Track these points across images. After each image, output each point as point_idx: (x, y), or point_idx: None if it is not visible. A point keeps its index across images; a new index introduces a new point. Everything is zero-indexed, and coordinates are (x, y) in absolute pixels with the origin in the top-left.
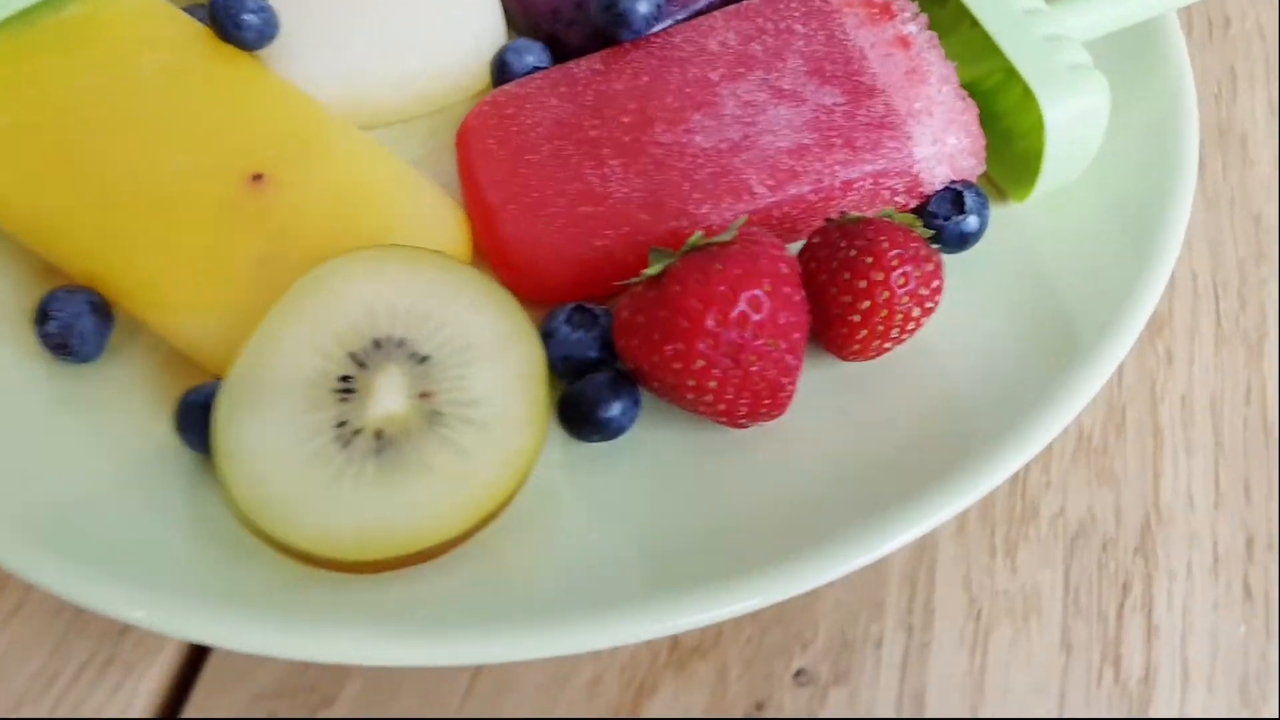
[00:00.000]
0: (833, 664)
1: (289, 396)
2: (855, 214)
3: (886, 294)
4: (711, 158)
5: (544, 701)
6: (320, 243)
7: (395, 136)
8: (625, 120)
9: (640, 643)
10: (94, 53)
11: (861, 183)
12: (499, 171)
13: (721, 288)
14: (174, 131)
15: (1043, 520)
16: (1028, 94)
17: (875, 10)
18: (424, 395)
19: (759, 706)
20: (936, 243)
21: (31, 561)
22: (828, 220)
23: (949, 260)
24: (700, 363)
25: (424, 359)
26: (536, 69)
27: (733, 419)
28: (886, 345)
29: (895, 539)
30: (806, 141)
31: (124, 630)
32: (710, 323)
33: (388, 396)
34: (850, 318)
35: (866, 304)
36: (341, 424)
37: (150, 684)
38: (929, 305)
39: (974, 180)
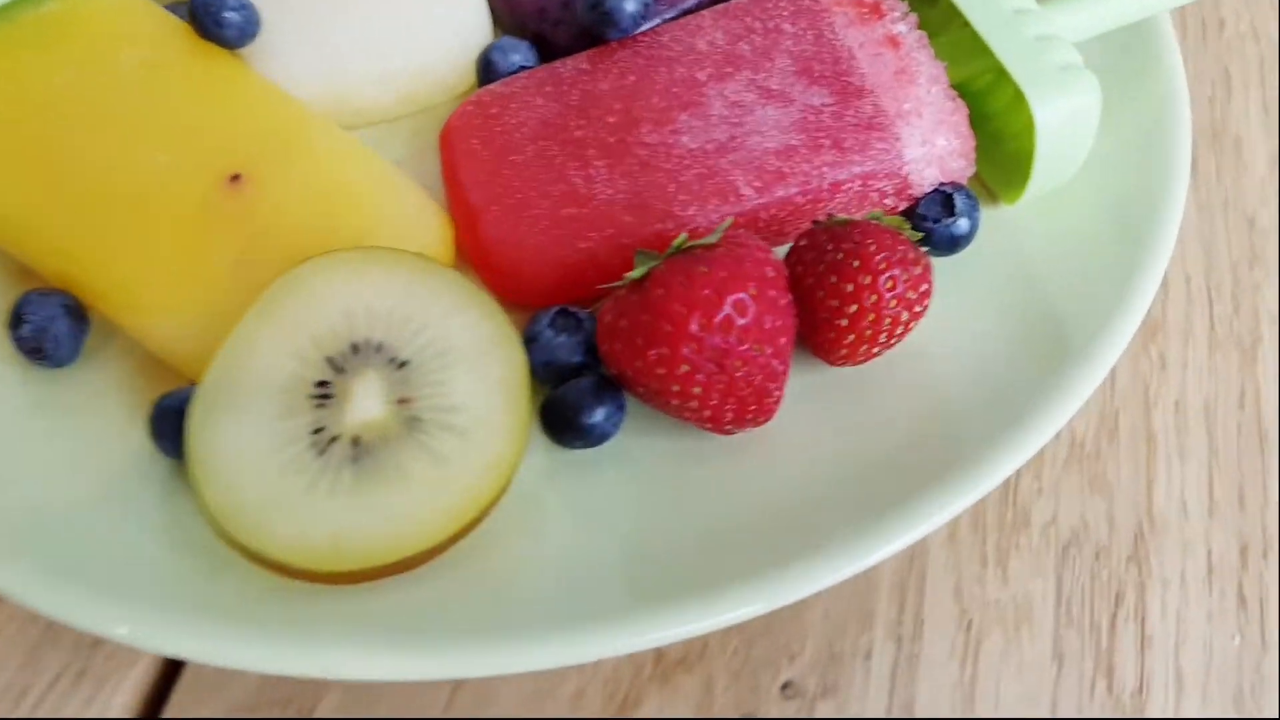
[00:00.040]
0: (821, 676)
1: (264, 402)
2: (843, 216)
3: (874, 298)
4: (698, 159)
5: (526, 715)
6: (300, 244)
7: (378, 136)
8: (611, 120)
9: (624, 655)
10: (72, 49)
11: (850, 184)
12: (482, 172)
13: (706, 291)
14: (152, 130)
15: (1034, 528)
16: (1018, 95)
17: (865, 10)
18: (402, 401)
19: None
20: (926, 245)
21: (3, 573)
22: (815, 223)
23: (939, 263)
24: (684, 368)
25: (403, 364)
26: (522, 68)
27: (719, 425)
28: (875, 350)
29: (885, 548)
30: (794, 143)
31: (97, 642)
32: (694, 327)
33: (365, 402)
34: (837, 322)
35: (854, 308)
36: (318, 430)
37: (124, 697)
38: (918, 309)
39: (964, 182)
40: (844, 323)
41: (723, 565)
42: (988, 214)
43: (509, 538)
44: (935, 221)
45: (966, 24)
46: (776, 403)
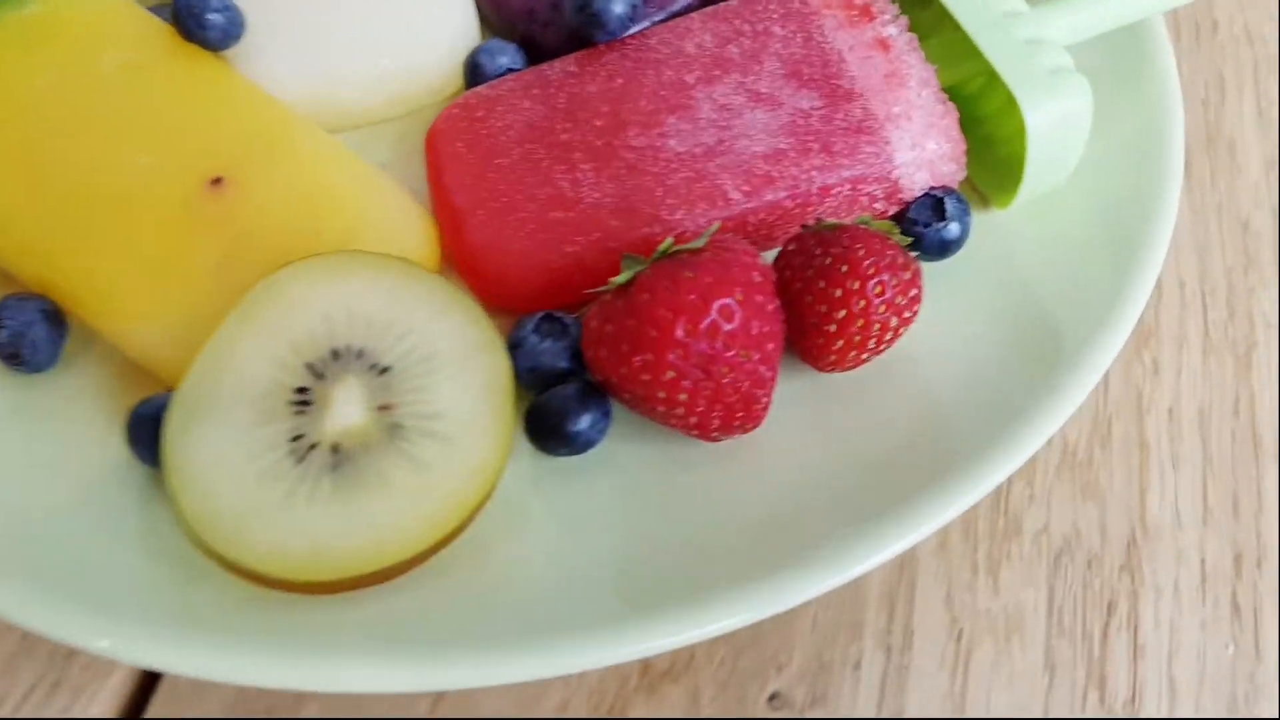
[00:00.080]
0: (809, 687)
1: (242, 409)
2: (832, 221)
3: (863, 303)
4: (686, 162)
5: None
6: (282, 248)
7: (364, 140)
8: (598, 124)
9: (610, 666)
10: (53, 51)
11: (839, 188)
12: (468, 176)
13: (691, 296)
14: (133, 133)
15: (1026, 537)
16: (1010, 99)
17: (855, 12)
18: (384, 408)
19: None
20: (917, 250)
21: None
22: (804, 227)
23: (929, 268)
24: (670, 374)
25: (384, 370)
26: (510, 71)
27: (706, 432)
28: (864, 356)
29: (874, 556)
30: (783, 146)
31: (72, 652)
32: (680, 333)
33: (345, 409)
34: (826, 328)
35: (842, 313)
36: (297, 438)
37: (100, 707)
38: (907, 315)
39: (955, 186)
40: (832, 328)
41: (710, 574)
42: (979, 218)
43: (492, 546)
44: (926, 226)
45: (958, 27)
46: (764, 409)
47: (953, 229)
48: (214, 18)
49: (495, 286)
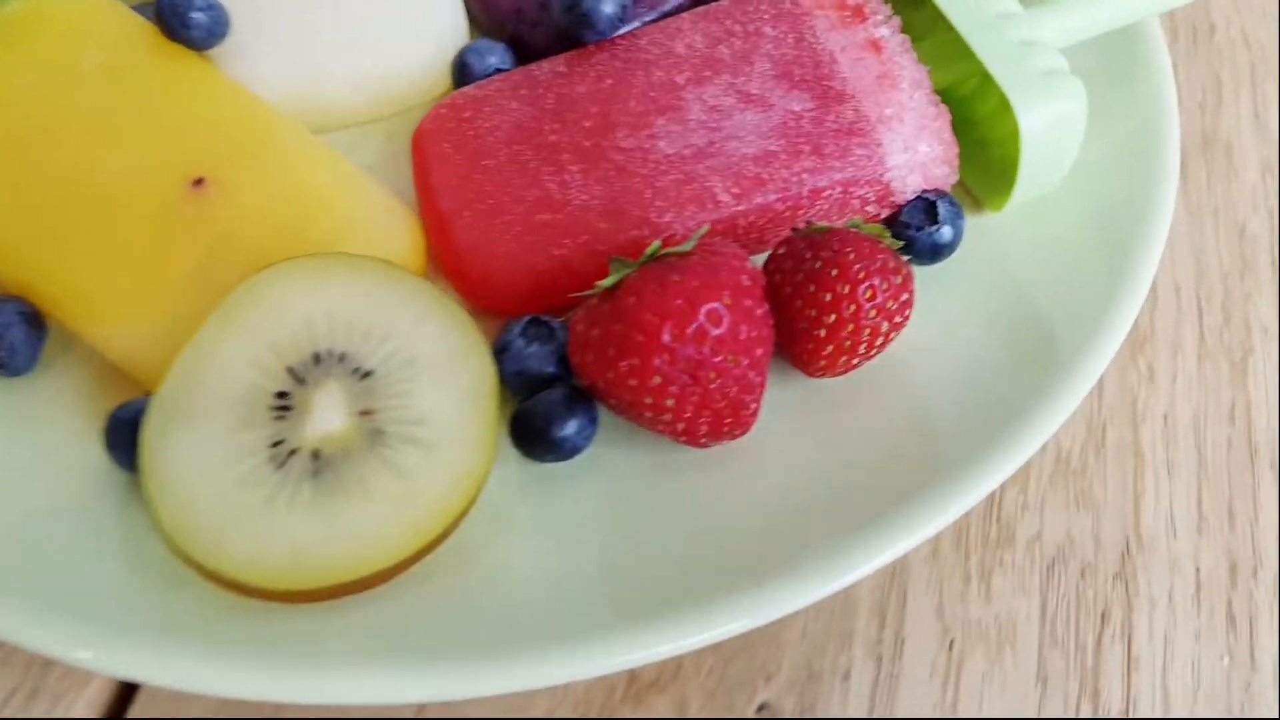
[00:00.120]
0: (798, 697)
1: (221, 413)
2: (822, 224)
3: (853, 308)
4: (675, 164)
5: None
6: (264, 250)
7: (350, 141)
8: (587, 125)
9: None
10: (34, 49)
11: (830, 191)
12: (454, 177)
13: (678, 300)
14: (113, 132)
15: (1019, 545)
16: (1004, 101)
17: (847, 13)
18: (365, 413)
19: None
20: (909, 254)
21: None
22: (794, 230)
23: (922, 272)
24: (656, 379)
25: (366, 374)
26: (498, 71)
27: (693, 439)
28: (855, 361)
29: (865, 565)
30: (773, 148)
31: (50, 661)
32: (666, 337)
33: (326, 414)
34: (816, 332)
35: (832, 318)
36: (277, 443)
37: (78, 716)
38: (898, 320)
39: (948, 189)
40: (822, 333)
41: (699, 583)
42: (972, 221)
43: (477, 554)
44: (918, 230)
45: (951, 28)
46: (753, 415)
47: (945, 233)
48: (198, 16)
49: (481, 289)
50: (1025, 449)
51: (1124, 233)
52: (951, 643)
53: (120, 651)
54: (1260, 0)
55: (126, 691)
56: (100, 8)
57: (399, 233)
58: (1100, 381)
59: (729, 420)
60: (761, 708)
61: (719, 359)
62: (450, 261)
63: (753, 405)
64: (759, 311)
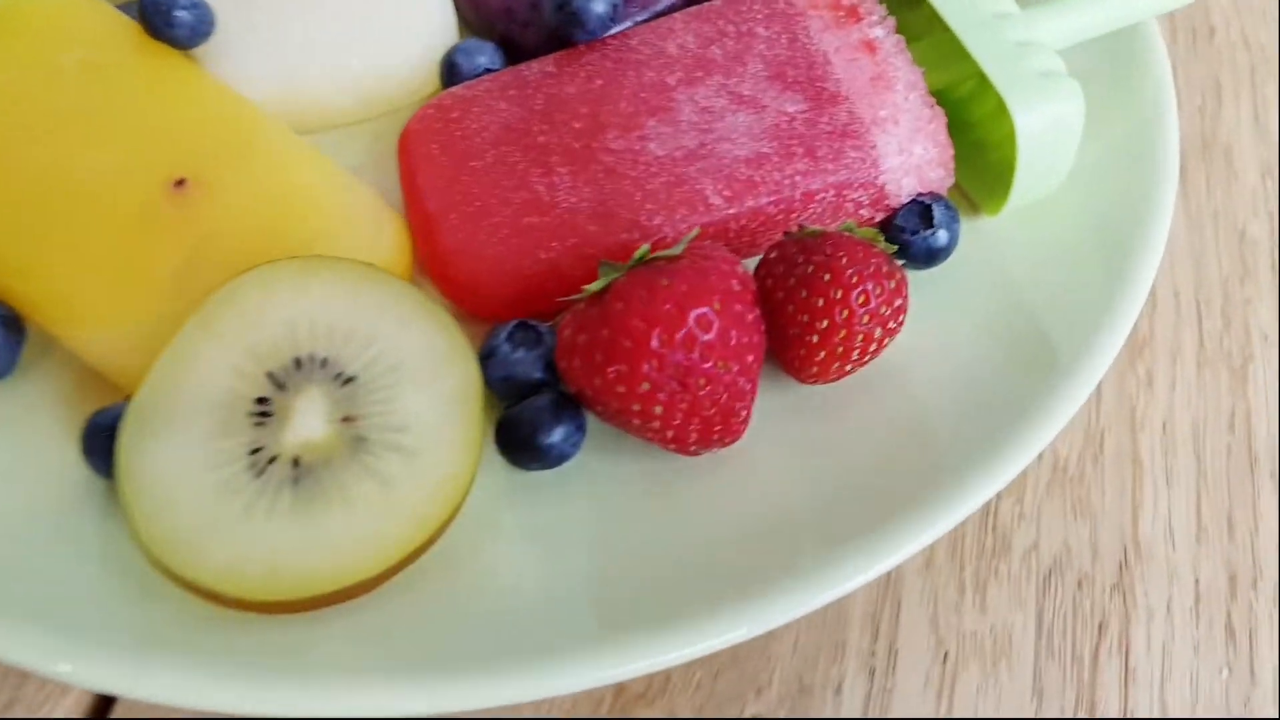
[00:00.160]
0: (789, 710)
1: (199, 419)
2: (815, 228)
3: (845, 313)
4: (666, 166)
5: None
6: (247, 253)
7: (337, 142)
8: (576, 126)
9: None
10: (13, 47)
11: (823, 194)
12: (441, 178)
13: (667, 305)
14: (94, 132)
15: (1015, 555)
16: (1000, 103)
17: (841, 14)
18: (347, 419)
19: None
20: (903, 258)
21: None
22: (786, 234)
23: (917, 277)
24: (645, 386)
25: (349, 380)
26: (488, 71)
27: (683, 446)
28: (848, 367)
29: (858, 576)
30: (766, 150)
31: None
32: (655, 343)
33: (307, 420)
34: (808, 338)
35: (824, 323)
36: (256, 450)
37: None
38: (891, 325)
39: (943, 193)
40: (814, 339)
41: (689, 594)
42: (969, 225)
43: (460, 564)
44: (913, 233)
45: (947, 29)
46: (744, 423)
47: (941, 236)
48: (182, 15)
49: (468, 293)
50: (1022, 457)
51: (1122, 237)
52: (946, 655)
53: (99, 665)
54: (1260, 2)
55: (105, 699)
56: (82, 5)
57: (385, 235)
58: (1098, 388)
59: (719, 428)
60: None
61: (709, 365)
62: (436, 264)
63: (743, 412)
64: (750, 317)
